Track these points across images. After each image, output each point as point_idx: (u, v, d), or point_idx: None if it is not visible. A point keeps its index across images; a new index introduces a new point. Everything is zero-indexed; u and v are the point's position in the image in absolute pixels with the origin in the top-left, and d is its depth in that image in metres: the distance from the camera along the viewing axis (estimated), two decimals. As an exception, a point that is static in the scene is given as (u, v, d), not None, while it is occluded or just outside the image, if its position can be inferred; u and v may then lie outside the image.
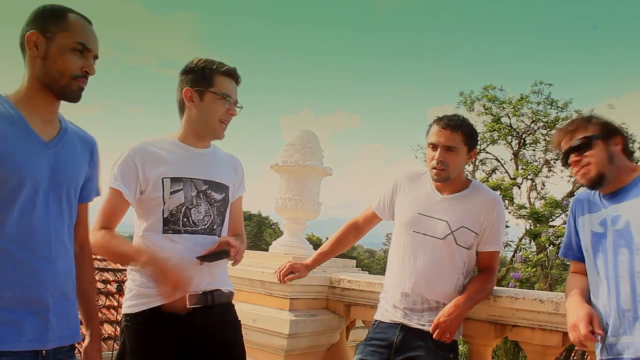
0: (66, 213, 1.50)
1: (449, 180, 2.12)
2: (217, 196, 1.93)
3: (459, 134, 2.08)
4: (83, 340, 1.67)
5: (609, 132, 1.73)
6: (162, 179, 1.83)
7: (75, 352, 1.59)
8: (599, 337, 1.61)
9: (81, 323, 1.65)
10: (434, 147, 2.11)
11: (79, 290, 1.60)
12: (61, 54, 1.43)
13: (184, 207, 1.85)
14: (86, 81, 1.49)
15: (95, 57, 1.50)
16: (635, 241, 1.59)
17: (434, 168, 2.10)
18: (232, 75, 1.92)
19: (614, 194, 1.72)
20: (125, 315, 1.84)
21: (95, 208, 1.75)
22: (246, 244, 2.18)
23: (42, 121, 1.46)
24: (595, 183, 1.72)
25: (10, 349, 1.33)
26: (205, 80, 1.88)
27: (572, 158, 1.75)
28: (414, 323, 2.08)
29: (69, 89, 1.45)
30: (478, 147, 2.15)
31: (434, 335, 2.00)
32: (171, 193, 1.84)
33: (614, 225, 1.66)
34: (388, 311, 2.16)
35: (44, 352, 1.40)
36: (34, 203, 1.39)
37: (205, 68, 1.88)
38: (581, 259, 1.84)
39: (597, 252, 1.71)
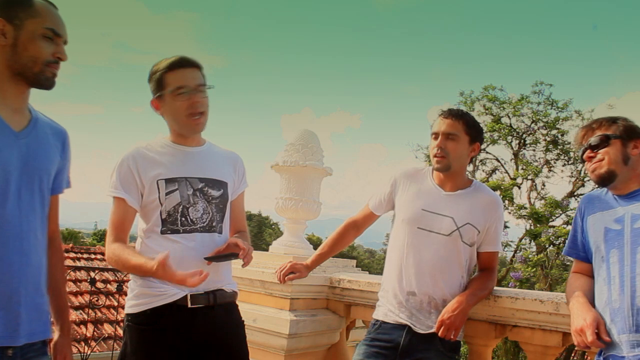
0: (38, 205, 1.47)
1: (450, 169, 2.11)
2: (215, 193, 1.93)
3: (460, 122, 2.09)
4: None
5: (630, 134, 1.73)
6: (157, 181, 1.84)
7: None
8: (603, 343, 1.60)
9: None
10: (436, 136, 2.12)
11: (50, 284, 1.56)
12: (32, 40, 1.39)
13: (181, 206, 1.85)
14: (58, 67, 1.46)
15: (65, 43, 1.47)
16: None
17: (435, 156, 2.11)
18: (180, 65, 1.86)
19: (632, 194, 1.71)
20: (127, 315, 1.84)
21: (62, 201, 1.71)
22: (250, 240, 2.18)
23: (12, 111, 1.42)
24: (604, 180, 1.73)
25: None
26: (159, 86, 1.87)
27: (587, 154, 1.77)
28: (422, 327, 2.05)
29: (43, 76, 1.43)
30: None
31: (439, 333, 1.97)
32: (167, 194, 1.84)
33: (634, 223, 1.65)
34: (392, 311, 2.12)
35: (9, 351, 1.35)
36: (5, 195, 1.36)
37: (155, 73, 1.88)
38: (585, 258, 1.84)
39: (612, 248, 1.68)
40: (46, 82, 1.44)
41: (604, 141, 1.73)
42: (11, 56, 1.39)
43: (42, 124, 1.51)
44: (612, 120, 1.77)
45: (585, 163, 1.78)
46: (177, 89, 1.82)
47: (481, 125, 2.21)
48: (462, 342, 2.25)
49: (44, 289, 1.49)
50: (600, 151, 1.73)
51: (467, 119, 2.12)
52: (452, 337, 1.98)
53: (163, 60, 1.88)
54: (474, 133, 2.13)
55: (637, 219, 1.65)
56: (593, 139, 1.75)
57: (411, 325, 2.06)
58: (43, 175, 1.48)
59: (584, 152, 1.79)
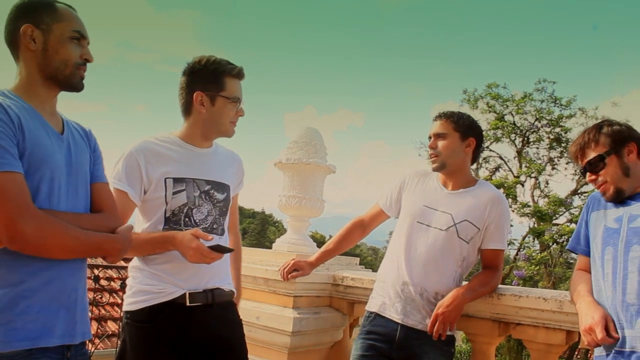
0: (82, 202, 1.49)
1: (445, 167, 2.17)
2: (220, 196, 1.93)
3: (448, 121, 2.18)
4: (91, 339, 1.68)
5: (620, 142, 1.73)
6: (165, 179, 1.82)
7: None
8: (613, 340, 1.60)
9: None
10: (429, 139, 2.22)
11: None
12: (61, 43, 1.42)
13: (187, 207, 1.84)
14: (86, 69, 1.49)
15: (88, 44, 1.50)
16: None
17: (430, 157, 2.21)
18: (241, 75, 1.91)
19: (635, 196, 1.72)
20: (126, 312, 1.84)
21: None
22: (240, 237, 2.22)
23: (49, 114, 1.45)
24: (616, 198, 1.75)
25: (45, 345, 1.30)
26: (215, 84, 1.85)
27: (589, 177, 1.79)
28: (413, 321, 2.08)
29: (75, 78, 1.45)
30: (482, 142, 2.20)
31: (434, 328, 1.99)
32: (174, 193, 1.83)
33: (631, 222, 1.67)
34: (386, 304, 2.15)
35: (68, 354, 1.38)
36: (58, 195, 1.38)
37: (215, 71, 1.85)
38: (587, 253, 1.84)
39: (607, 245, 1.70)
40: (78, 84, 1.47)
41: (600, 162, 1.74)
42: (42, 60, 1.41)
43: (71, 125, 1.54)
44: (597, 132, 1.76)
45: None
46: (235, 98, 1.88)
47: (485, 123, 2.24)
48: (462, 340, 2.26)
49: (85, 288, 1.51)
50: (600, 173, 1.75)
51: (455, 117, 2.19)
52: (444, 332, 2.00)
53: (220, 61, 1.86)
54: (464, 129, 2.18)
55: (634, 219, 1.67)
56: (590, 161, 1.76)
57: (402, 321, 2.09)
58: (83, 175, 1.51)
59: (584, 173, 1.81)
